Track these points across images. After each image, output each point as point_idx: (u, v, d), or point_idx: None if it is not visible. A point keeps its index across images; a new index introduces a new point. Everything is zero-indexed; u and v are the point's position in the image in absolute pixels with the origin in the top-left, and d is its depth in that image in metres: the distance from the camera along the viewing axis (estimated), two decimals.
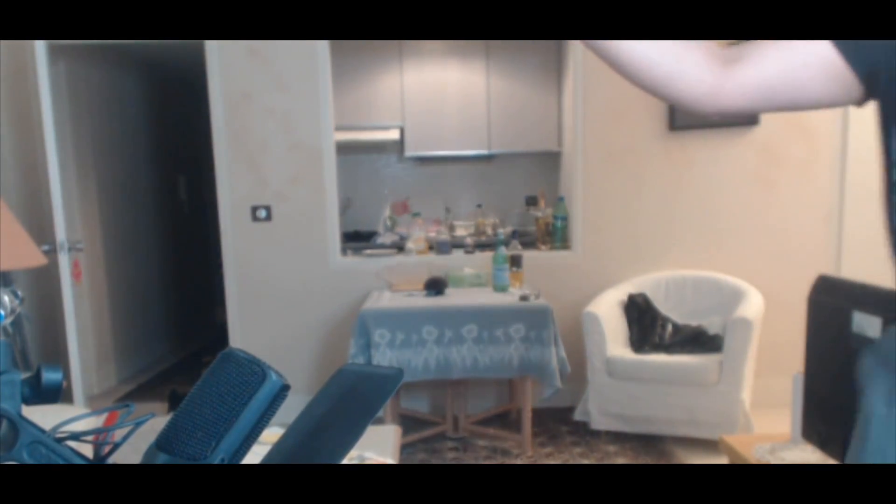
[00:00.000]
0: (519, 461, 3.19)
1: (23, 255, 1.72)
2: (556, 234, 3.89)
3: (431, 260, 3.83)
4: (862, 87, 0.90)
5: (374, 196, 5.04)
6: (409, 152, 4.63)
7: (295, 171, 3.71)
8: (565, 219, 3.88)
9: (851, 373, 1.27)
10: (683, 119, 3.60)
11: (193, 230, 5.99)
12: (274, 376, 0.51)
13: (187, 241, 5.82)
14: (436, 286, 3.41)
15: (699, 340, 3.30)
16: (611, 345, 3.27)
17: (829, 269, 3.59)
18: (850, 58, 0.89)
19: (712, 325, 3.37)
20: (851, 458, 0.98)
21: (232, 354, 0.52)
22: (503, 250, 3.47)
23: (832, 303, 1.33)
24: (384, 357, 3.06)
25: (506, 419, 3.70)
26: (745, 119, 3.56)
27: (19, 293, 2.03)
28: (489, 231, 4.47)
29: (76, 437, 0.53)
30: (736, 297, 3.36)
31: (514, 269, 3.51)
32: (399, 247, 4.09)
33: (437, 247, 3.91)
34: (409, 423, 3.45)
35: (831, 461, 1.37)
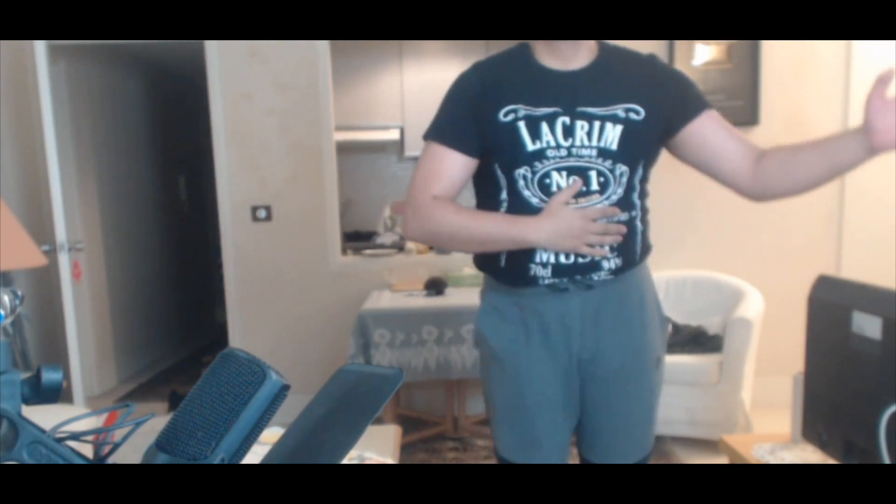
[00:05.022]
0: None
1: (23, 255, 1.72)
2: None
3: (431, 260, 3.83)
4: None
5: (374, 196, 5.04)
6: (409, 152, 4.62)
7: (295, 171, 3.71)
8: None
9: (852, 373, 1.27)
10: None
11: (193, 230, 5.98)
12: (274, 376, 0.51)
13: (187, 241, 5.81)
14: (436, 286, 3.41)
15: (699, 340, 3.29)
16: None
17: (829, 269, 3.59)
18: None
19: (712, 325, 3.36)
20: (494, 393, 1.48)
21: (232, 354, 0.52)
22: None
23: (832, 303, 1.33)
24: (384, 357, 3.06)
25: None
26: (744, 119, 3.56)
27: (19, 293, 2.03)
28: None
29: (76, 437, 0.53)
30: (736, 297, 3.36)
31: None
32: (399, 247, 4.09)
33: (437, 247, 3.91)
34: (409, 423, 3.45)
35: (831, 461, 1.37)
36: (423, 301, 3.27)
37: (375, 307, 3.15)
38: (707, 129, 1.43)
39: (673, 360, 3.19)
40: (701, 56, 3.54)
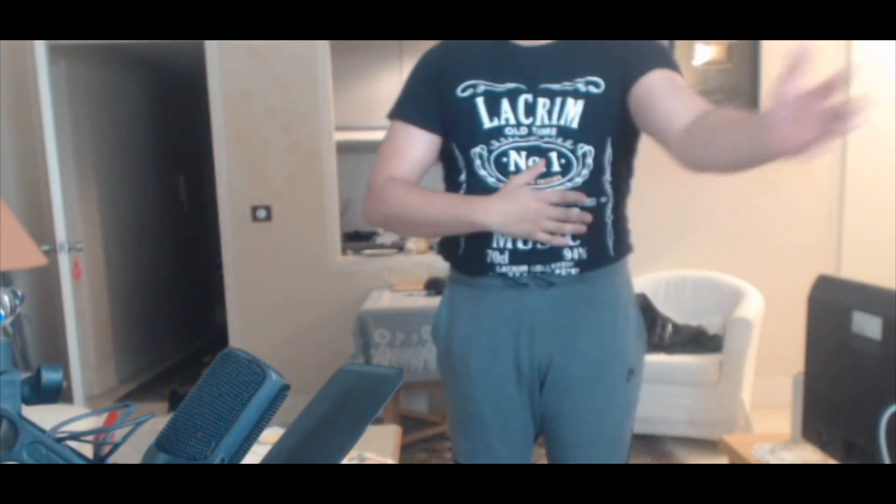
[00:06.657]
0: None
1: (23, 255, 1.72)
2: None
3: (431, 260, 3.83)
4: None
5: None
6: None
7: (295, 171, 3.71)
8: None
9: (852, 373, 1.27)
10: None
11: (193, 230, 5.98)
12: (274, 376, 0.51)
13: (187, 241, 5.81)
14: (436, 286, 3.41)
15: (699, 340, 3.29)
16: None
17: (829, 269, 3.59)
18: None
19: (712, 325, 3.37)
20: (448, 394, 1.42)
21: (232, 354, 0.52)
22: None
23: (832, 303, 1.33)
24: (384, 357, 3.06)
25: None
26: None
27: (19, 293, 2.03)
28: None
29: (76, 437, 0.53)
30: (736, 297, 3.36)
31: None
32: (399, 247, 4.09)
33: (437, 247, 3.90)
34: (409, 423, 3.45)
35: (831, 461, 1.37)
36: (423, 301, 3.26)
37: (375, 307, 3.15)
38: (654, 88, 1.22)
39: (673, 360, 3.19)
40: (701, 56, 3.54)
